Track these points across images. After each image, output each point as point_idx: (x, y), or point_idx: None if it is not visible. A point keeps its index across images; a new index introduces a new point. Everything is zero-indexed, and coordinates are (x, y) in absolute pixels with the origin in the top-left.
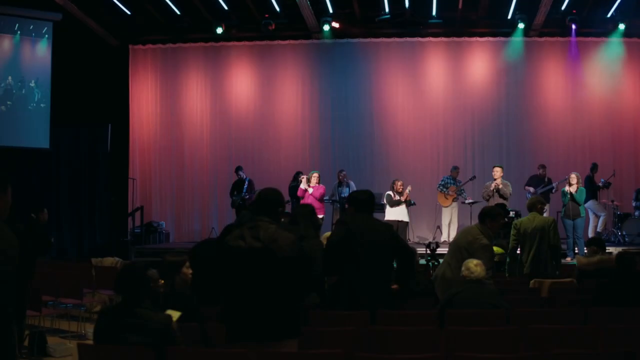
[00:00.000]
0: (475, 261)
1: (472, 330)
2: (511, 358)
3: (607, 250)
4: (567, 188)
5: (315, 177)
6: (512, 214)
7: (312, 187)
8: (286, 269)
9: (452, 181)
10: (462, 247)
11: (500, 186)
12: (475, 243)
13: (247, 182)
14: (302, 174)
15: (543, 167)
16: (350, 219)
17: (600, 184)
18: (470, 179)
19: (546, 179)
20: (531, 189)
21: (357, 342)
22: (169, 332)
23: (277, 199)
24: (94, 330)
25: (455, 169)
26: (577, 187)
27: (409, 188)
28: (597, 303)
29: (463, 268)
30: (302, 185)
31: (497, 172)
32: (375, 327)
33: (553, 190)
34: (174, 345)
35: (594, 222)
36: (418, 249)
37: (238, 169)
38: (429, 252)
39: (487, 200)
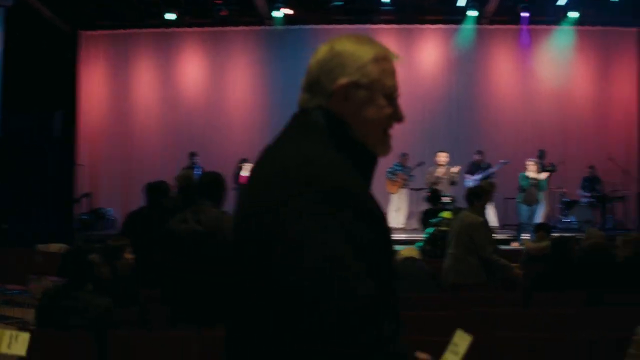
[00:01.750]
0: (409, 248)
1: (413, 315)
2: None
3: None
4: (527, 174)
5: None
6: (448, 199)
7: None
8: (228, 253)
9: (400, 168)
10: (462, 234)
11: (453, 172)
12: (472, 225)
13: (199, 170)
14: (247, 162)
15: (480, 152)
16: None
17: (549, 168)
18: (419, 165)
19: (482, 165)
20: (470, 177)
21: None
22: (110, 316)
23: (220, 182)
24: (36, 314)
25: (404, 155)
26: (539, 174)
27: None
28: (535, 290)
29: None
30: (243, 172)
31: (444, 157)
32: None
33: (493, 173)
34: (115, 328)
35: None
36: None
37: (192, 154)
38: None
39: (432, 187)
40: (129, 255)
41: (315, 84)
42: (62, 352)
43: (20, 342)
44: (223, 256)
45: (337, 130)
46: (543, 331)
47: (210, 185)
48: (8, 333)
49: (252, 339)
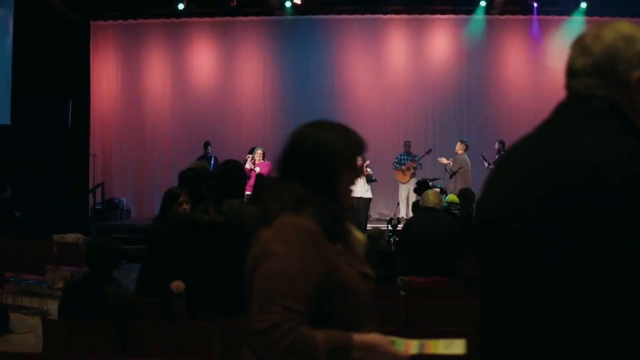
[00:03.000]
0: (432, 191)
1: (432, 304)
2: (473, 332)
3: None
4: None
5: (259, 154)
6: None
7: (258, 165)
8: (248, 243)
9: (407, 157)
10: None
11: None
12: None
13: (213, 160)
14: (258, 150)
15: (497, 142)
16: None
17: None
18: (427, 153)
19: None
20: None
21: None
22: (133, 307)
23: (240, 172)
24: (59, 304)
25: (407, 143)
26: None
27: (366, 162)
28: None
29: (420, 200)
30: (248, 165)
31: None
32: None
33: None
34: (136, 318)
35: None
36: (381, 225)
37: (207, 144)
38: (390, 228)
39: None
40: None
41: (606, 71)
42: (84, 343)
43: (456, 346)
44: (244, 246)
45: (630, 123)
46: None
47: (231, 174)
48: (442, 342)
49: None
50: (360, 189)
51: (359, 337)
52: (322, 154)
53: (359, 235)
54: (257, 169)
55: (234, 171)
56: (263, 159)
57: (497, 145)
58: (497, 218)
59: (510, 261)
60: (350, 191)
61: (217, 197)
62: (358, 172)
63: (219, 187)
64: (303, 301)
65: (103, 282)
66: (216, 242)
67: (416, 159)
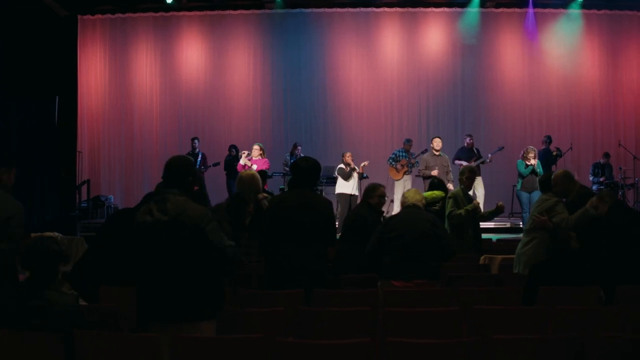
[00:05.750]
0: (413, 190)
1: (411, 312)
2: (449, 344)
3: None
4: (528, 162)
5: (256, 149)
6: None
7: (253, 162)
8: (196, 242)
9: (404, 154)
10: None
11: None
12: (557, 206)
13: (200, 156)
14: (254, 145)
15: (470, 136)
16: (280, 198)
17: (554, 153)
18: (422, 152)
19: (475, 150)
20: (464, 163)
21: (286, 325)
22: (77, 314)
23: (187, 167)
24: None
25: (409, 141)
26: (536, 161)
27: (365, 163)
28: (535, 283)
29: (401, 198)
30: (242, 161)
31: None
32: (306, 308)
33: (487, 161)
34: (81, 328)
35: None
36: None
37: (194, 139)
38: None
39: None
40: None
41: None
42: (26, 355)
43: None
44: (189, 244)
45: None
46: (550, 330)
47: (178, 170)
48: None
49: None
50: (353, 186)
51: None
52: None
53: None
54: (254, 167)
55: (180, 166)
56: (262, 156)
57: (468, 140)
58: None
59: None
60: None
61: (162, 194)
62: None
63: (164, 183)
64: None
65: (43, 288)
66: (161, 244)
67: (412, 157)
